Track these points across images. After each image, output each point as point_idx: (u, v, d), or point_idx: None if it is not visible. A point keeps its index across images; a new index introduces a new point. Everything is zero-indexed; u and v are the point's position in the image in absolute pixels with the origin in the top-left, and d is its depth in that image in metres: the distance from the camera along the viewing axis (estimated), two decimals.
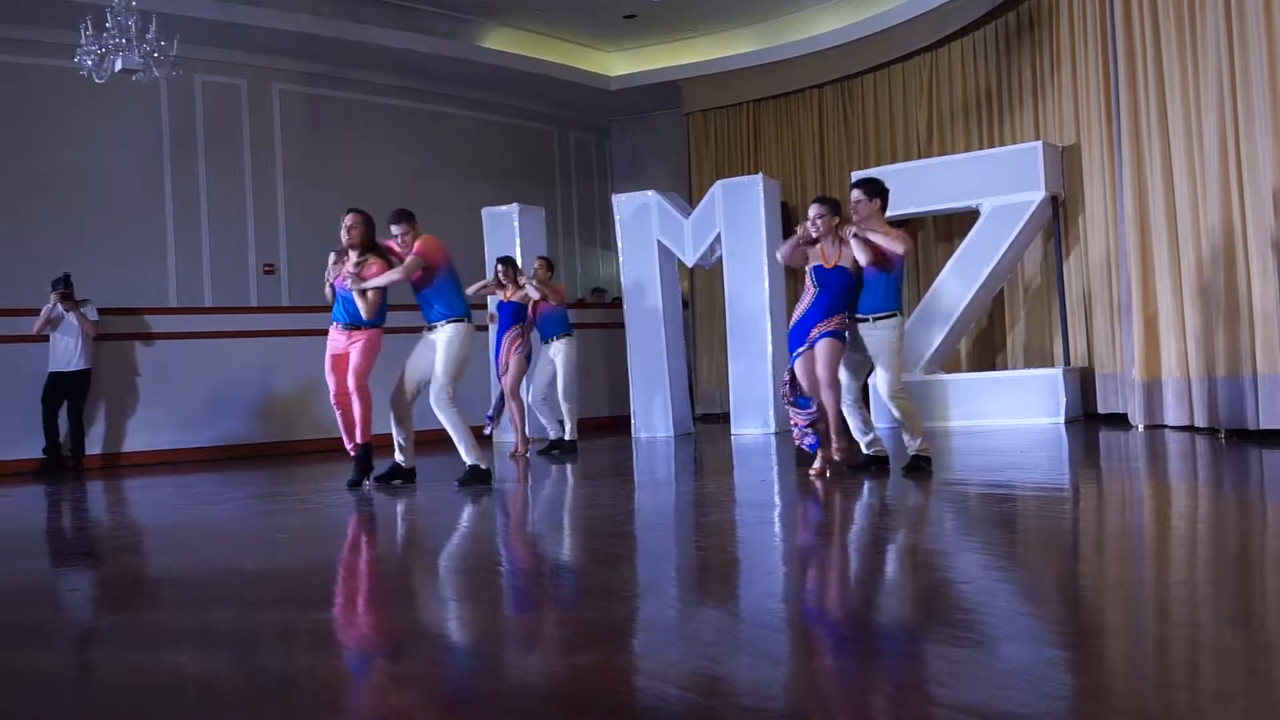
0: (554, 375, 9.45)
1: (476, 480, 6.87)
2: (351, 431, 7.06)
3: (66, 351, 9.75)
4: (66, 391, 9.80)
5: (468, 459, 6.91)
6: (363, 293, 6.83)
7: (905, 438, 6.36)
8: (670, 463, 8.70)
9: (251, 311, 11.80)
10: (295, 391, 11.06)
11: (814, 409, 6.29)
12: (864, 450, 6.51)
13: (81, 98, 10.77)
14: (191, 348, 10.79)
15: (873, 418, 6.77)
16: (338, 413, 7.12)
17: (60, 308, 9.68)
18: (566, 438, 9.50)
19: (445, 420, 6.86)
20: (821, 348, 6.26)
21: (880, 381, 6.33)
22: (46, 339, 9.75)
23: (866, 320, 6.30)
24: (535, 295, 9.22)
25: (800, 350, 6.32)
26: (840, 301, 6.28)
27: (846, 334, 6.31)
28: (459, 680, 2.69)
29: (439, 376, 6.79)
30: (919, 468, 6.22)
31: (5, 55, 10.92)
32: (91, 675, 2.90)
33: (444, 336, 6.81)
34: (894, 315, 6.26)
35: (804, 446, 6.38)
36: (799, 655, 2.82)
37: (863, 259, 6.15)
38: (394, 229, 6.88)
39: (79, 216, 11.24)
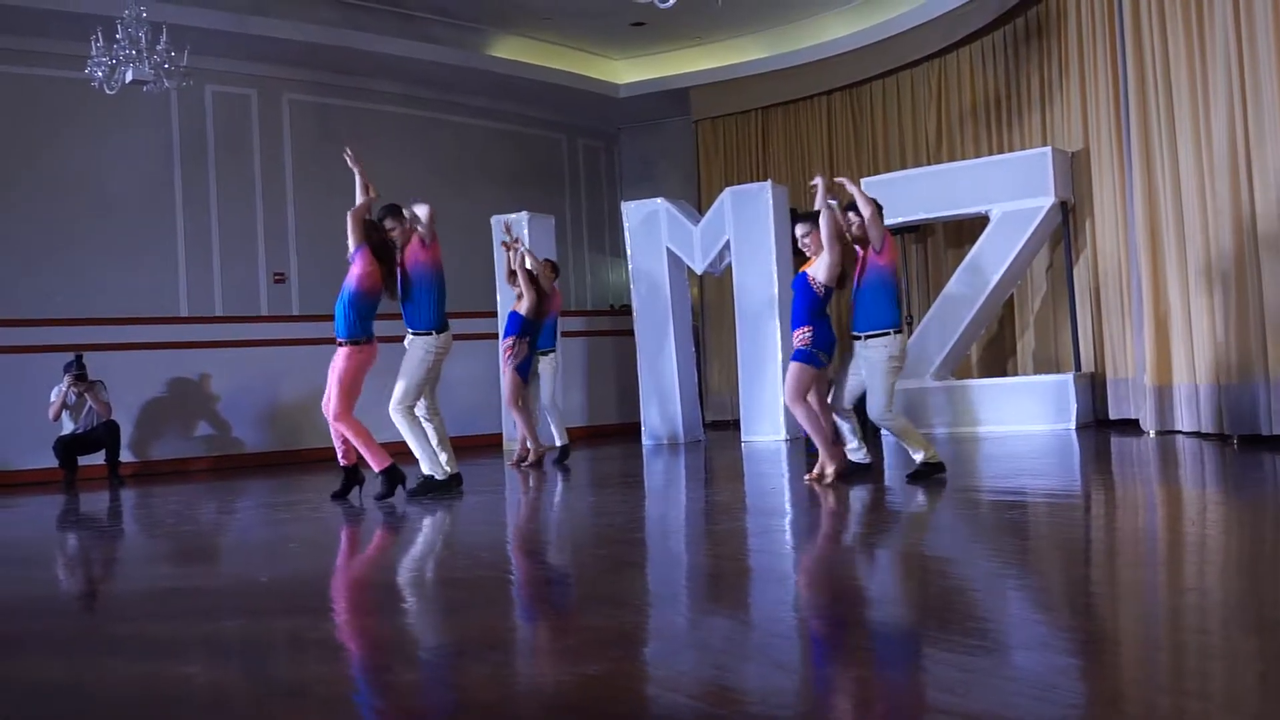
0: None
1: (428, 491, 6.82)
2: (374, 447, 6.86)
3: (86, 417, 9.50)
4: (93, 446, 9.50)
5: (424, 469, 6.88)
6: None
7: (909, 452, 6.35)
8: (680, 470, 8.69)
9: (262, 320, 11.85)
10: (305, 400, 11.08)
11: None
12: (849, 458, 6.52)
13: (92, 109, 10.82)
14: (202, 357, 10.83)
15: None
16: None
17: (73, 392, 9.35)
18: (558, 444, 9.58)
19: (401, 430, 6.79)
20: (791, 371, 6.31)
21: (868, 403, 6.32)
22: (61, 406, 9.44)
23: (860, 339, 6.29)
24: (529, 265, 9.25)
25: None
26: (798, 316, 6.30)
27: (815, 354, 6.27)
28: (469, 688, 2.69)
29: (397, 386, 6.78)
30: (924, 474, 6.21)
31: (16, 66, 10.98)
32: (99, 685, 2.90)
33: (411, 347, 6.86)
34: (885, 334, 6.20)
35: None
36: (809, 663, 2.82)
37: (865, 211, 6.16)
38: (386, 224, 6.88)
39: (90, 226, 11.29)
